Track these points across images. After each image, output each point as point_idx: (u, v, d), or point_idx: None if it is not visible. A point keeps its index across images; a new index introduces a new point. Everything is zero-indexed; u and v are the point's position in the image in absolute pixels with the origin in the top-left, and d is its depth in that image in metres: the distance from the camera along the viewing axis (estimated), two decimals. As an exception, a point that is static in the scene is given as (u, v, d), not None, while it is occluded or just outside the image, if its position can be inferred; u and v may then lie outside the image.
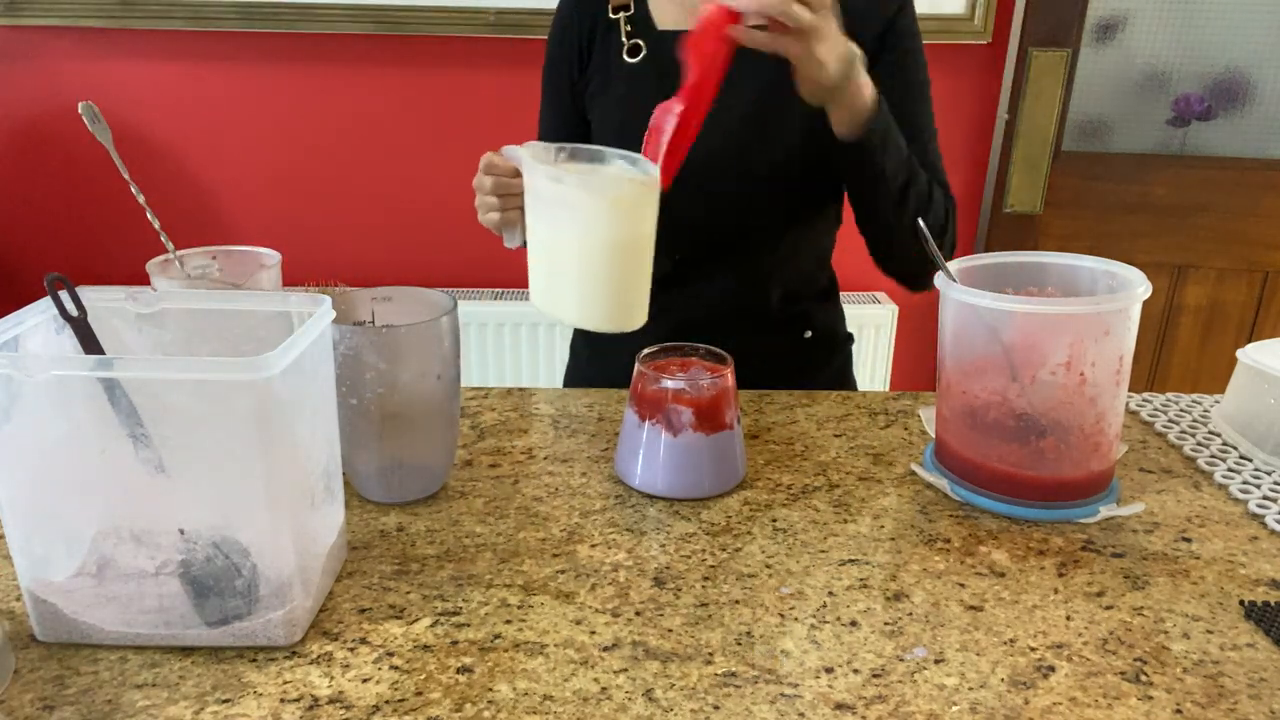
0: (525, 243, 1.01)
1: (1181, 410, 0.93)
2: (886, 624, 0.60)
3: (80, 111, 0.76)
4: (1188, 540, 0.71)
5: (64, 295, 0.58)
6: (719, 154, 1.05)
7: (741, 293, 1.10)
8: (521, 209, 0.92)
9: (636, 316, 0.85)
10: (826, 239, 1.18)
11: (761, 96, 1.02)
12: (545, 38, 1.26)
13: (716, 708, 0.52)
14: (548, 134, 1.17)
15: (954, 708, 0.53)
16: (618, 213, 0.80)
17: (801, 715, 0.52)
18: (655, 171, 0.84)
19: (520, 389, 0.95)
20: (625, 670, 0.55)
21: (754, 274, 1.10)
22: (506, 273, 2.01)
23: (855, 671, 0.56)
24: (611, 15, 1.09)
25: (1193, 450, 0.84)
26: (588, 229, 0.80)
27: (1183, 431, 0.88)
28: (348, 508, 0.72)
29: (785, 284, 1.12)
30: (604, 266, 0.82)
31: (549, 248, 0.85)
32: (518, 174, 0.90)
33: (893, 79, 1.02)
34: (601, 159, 0.90)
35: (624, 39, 1.09)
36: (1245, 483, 0.79)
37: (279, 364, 0.51)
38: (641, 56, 1.08)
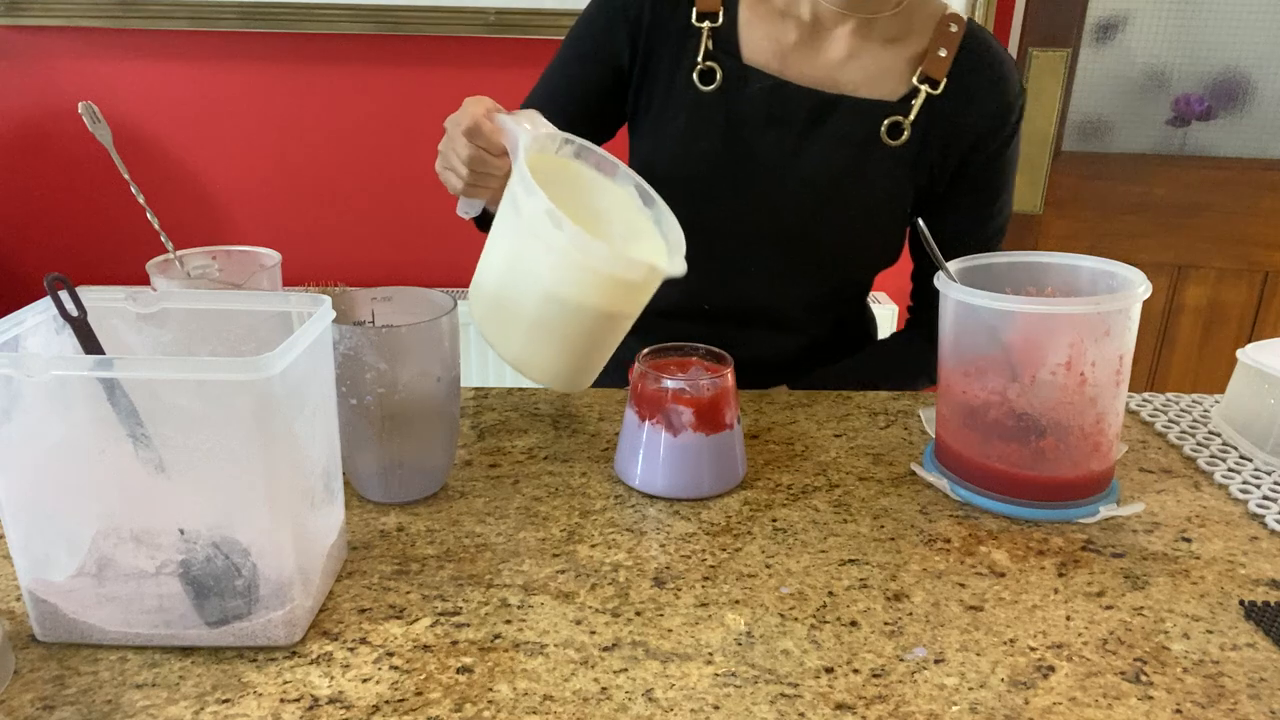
0: (480, 220, 0.85)
1: (1181, 410, 0.93)
2: (886, 624, 0.60)
3: (80, 111, 0.76)
4: (1188, 540, 0.71)
5: (64, 295, 0.58)
6: (791, 222, 0.95)
7: (770, 338, 1.03)
8: (491, 189, 0.77)
9: (582, 381, 0.76)
10: (867, 290, 1.11)
11: (840, 169, 0.94)
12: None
13: (716, 708, 0.52)
14: (540, 104, 0.93)
15: (954, 708, 0.53)
16: (613, 290, 0.68)
17: (801, 715, 0.52)
18: (677, 259, 0.71)
19: (520, 389, 0.95)
20: (625, 670, 0.55)
21: (788, 324, 1.03)
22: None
23: (855, 671, 0.56)
24: (695, 22, 0.93)
25: (1193, 450, 0.84)
26: (566, 295, 0.68)
27: (1183, 431, 0.88)
28: (348, 508, 0.72)
29: (818, 334, 1.05)
30: (569, 333, 0.70)
31: (508, 279, 0.71)
32: (504, 153, 0.75)
33: (979, 183, 0.97)
34: (612, 173, 0.76)
35: (699, 58, 0.93)
36: (1245, 483, 0.79)
37: (279, 364, 0.51)
38: (714, 86, 0.93)
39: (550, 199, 0.65)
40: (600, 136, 1.00)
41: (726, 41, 0.93)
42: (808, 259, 0.98)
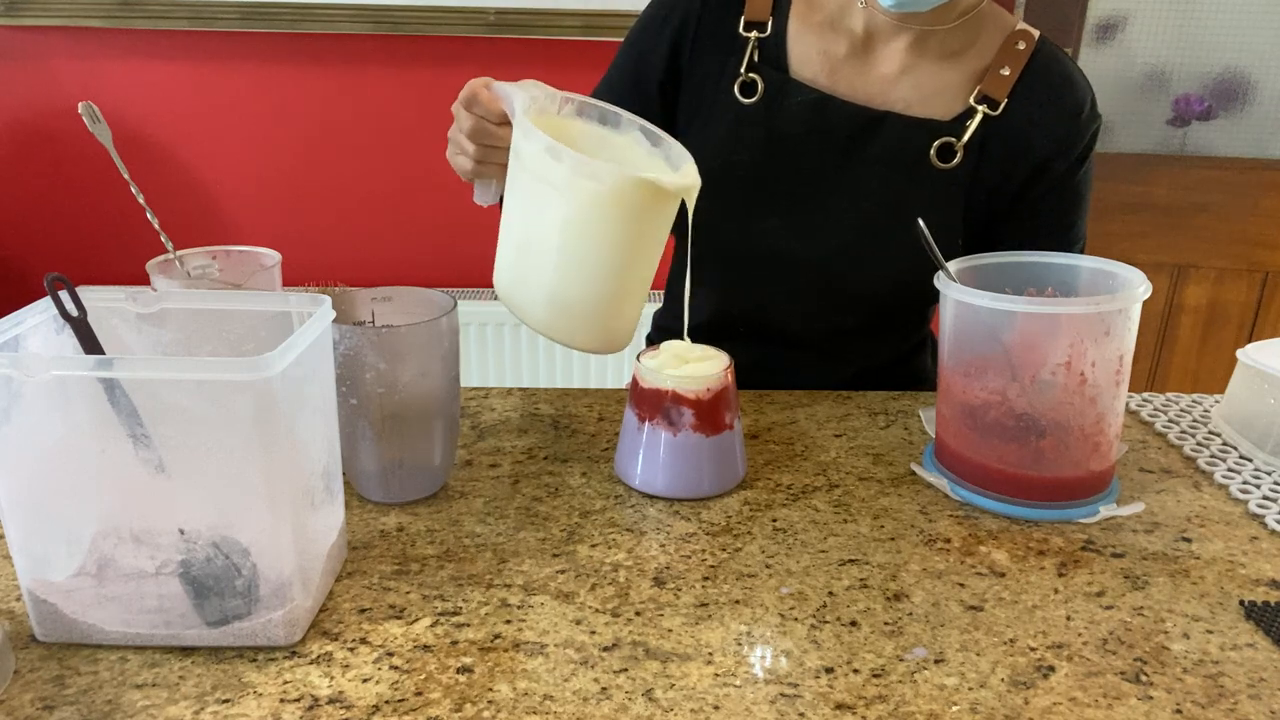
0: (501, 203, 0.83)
1: (1181, 410, 0.93)
2: (886, 624, 0.60)
3: (80, 111, 0.76)
4: (1188, 540, 0.71)
5: (64, 295, 0.58)
6: (836, 258, 0.91)
7: (813, 366, 0.98)
8: (502, 165, 0.75)
9: (616, 340, 0.74)
10: (924, 324, 1.05)
11: (884, 192, 0.90)
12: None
13: (716, 708, 0.52)
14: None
15: (954, 708, 0.53)
16: (623, 214, 0.67)
17: (801, 715, 0.52)
18: (688, 173, 0.69)
19: (520, 389, 0.95)
20: (625, 670, 0.55)
21: (831, 352, 0.98)
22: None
23: (855, 671, 0.56)
24: (742, 32, 0.89)
25: (1193, 450, 0.84)
26: (581, 227, 0.67)
27: (1183, 431, 0.88)
28: (348, 508, 0.72)
29: (867, 365, 1.01)
30: (590, 276, 0.69)
31: (524, 235, 0.70)
32: (505, 120, 0.72)
33: (1045, 210, 0.92)
34: (616, 124, 0.74)
35: (742, 69, 0.89)
36: (1245, 483, 0.79)
37: (279, 364, 0.51)
38: (755, 99, 0.89)
39: None
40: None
41: (773, 53, 0.90)
42: (849, 285, 0.93)
